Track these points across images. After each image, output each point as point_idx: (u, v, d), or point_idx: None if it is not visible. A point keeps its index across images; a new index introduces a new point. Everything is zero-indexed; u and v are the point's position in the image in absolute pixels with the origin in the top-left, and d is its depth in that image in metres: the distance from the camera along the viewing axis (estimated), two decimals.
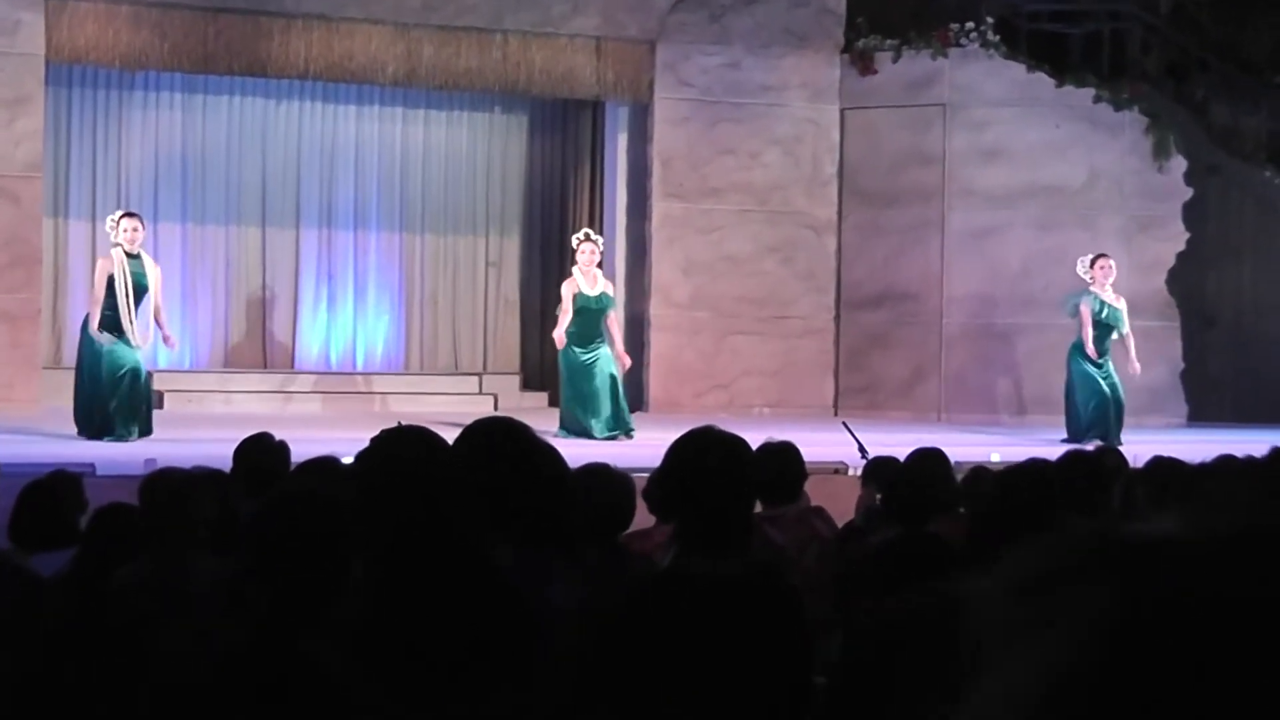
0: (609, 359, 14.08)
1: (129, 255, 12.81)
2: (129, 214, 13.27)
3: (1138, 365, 14.48)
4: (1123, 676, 0.74)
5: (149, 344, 13.12)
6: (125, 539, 5.24)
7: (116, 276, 12.71)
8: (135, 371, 12.62)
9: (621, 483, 5.44)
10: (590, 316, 14.01)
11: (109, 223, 13.18)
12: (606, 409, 13.94)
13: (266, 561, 3.45)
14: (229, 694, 3.16)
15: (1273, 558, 0.76)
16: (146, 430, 12.64)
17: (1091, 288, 14.47)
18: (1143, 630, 0.75)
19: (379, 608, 3.43)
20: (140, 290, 12.78)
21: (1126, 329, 14.50)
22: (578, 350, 14.01)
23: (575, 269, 14.17)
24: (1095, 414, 14.31)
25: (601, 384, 13.95)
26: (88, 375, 12.73)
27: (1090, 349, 14.33)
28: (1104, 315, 14.36)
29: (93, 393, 12.62)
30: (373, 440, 3.57)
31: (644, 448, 11.53)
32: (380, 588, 3.45)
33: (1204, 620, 0.74)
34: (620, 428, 13.91)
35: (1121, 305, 14.51)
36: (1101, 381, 14.34)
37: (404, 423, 3.70)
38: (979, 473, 7.15)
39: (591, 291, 14.02)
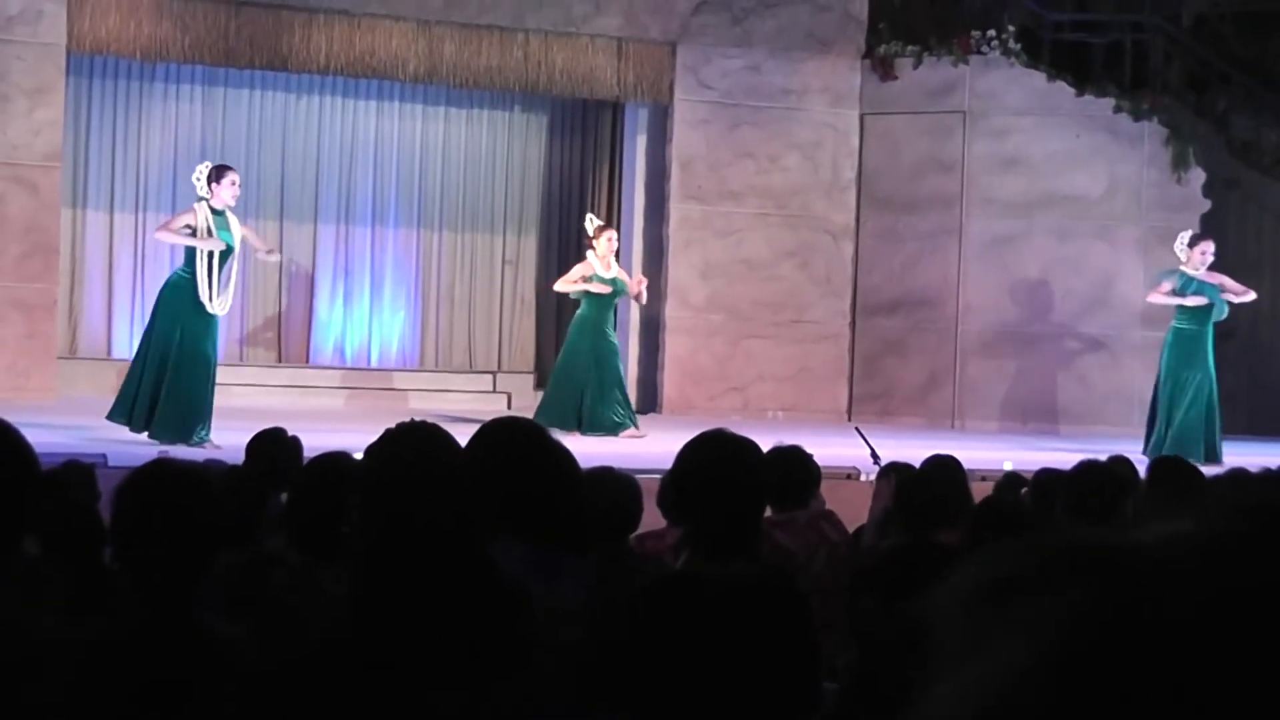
0: (615, 355, 14.20)
1: (214, 212, 12.08)
2: (228, 166, 12.51)
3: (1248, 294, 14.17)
4: (1082, 681, 0.74)
5: (225, 311, 12.37)
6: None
7: (199, 233, 11.99)
8: (210, 359, 12.05)
9: (626, 486, 5.44)
10: (607, 298, 14.11)
11: (198, 173, 12.34)
12: (601, 406, 13.99)
13: (134, 538, 3.42)
14: (124, 679, 3.13)
15: (1238, 568, 0.76)
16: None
17: (1183, 267, 14.21)
18: (1107, 636, 0.75)
19: (369, 600, 3.43)
20: (225, 251, 12.06)
21: (1226, 307, 14.04)
22: (591, 337, 14.07)
23: (591, 254, 14.20)
24: (1188, 422, 13.82)
25: (606, 379, 14.00)
26: (171, 358, 11.91)
27: (1156, 298, 14.08)
28: (1189, 290, 13.97)
29: (174, 381, 11.88)
30: (382, 435, 3.57)
31: (656, 450, 11.52)
32: (372, 581, 3.45)
33: (1169, 628, 0.74)
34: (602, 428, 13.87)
35: (1216, 281, 14.16)
36: (1192, 382, 13.80)
37: (417, 418, 3.70)
38: (1012, 480, 7.18)
39: (606, 274, 14.11)
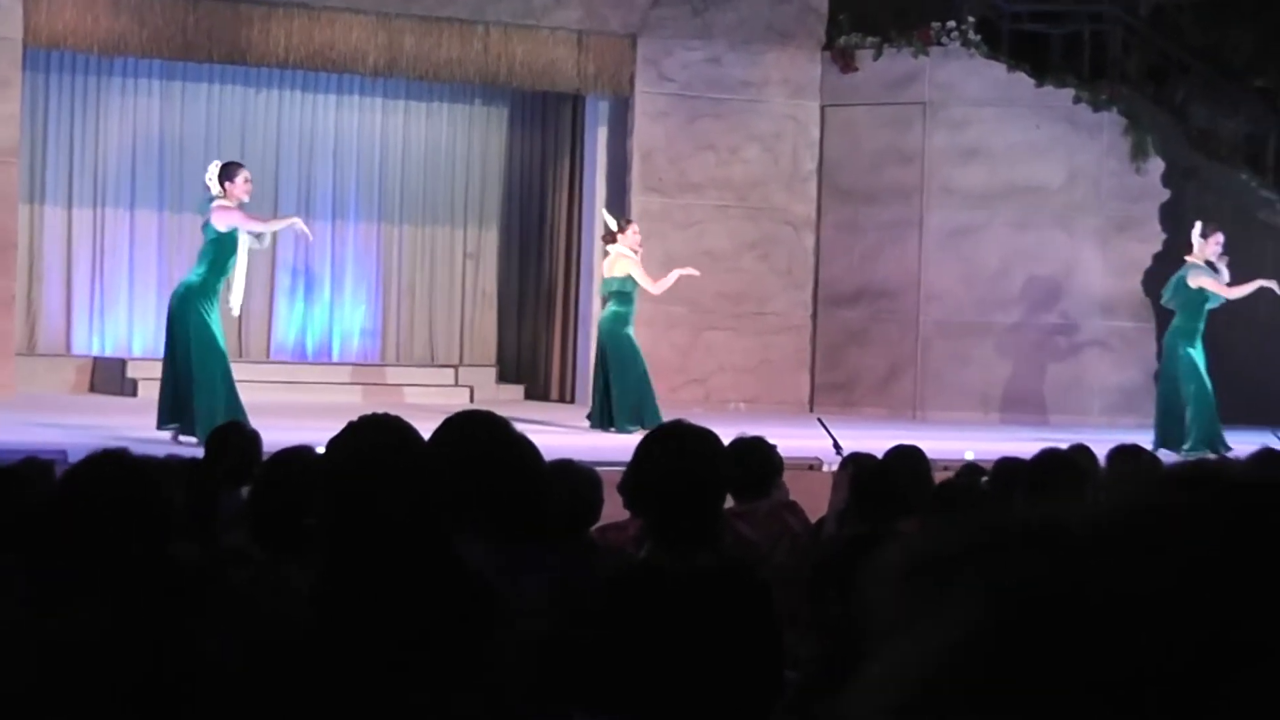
0: None
1: None
2: (239, 164, 12.41)
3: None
4: (1012, 657, 0.74)
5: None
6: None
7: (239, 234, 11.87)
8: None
9: (587, 477, 5.44)
10: (634, 291, 14.24)
11: (210, 172, 12.28)
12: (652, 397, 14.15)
13: (78, 530, 3.39)
14: (83, 676, 3.11)
15: (1169, 542, 0.76)
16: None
17: (1190, 258, 14.36)
18: (1037, 612, 0.75)
19: (333, 595, 3.41)
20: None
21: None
22: (631, 334, 14.21)
23: (616, 248, 14.23)
24: (1202, 417, 14.07)
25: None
26: (213, 362, 11.79)
27: (1228, 292, 14.13)
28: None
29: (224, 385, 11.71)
30: (344, 428, 3.55)
31: (617, 442, 11.53)
32: (336, 575, 3.44)
33: (1100, 604, 0.75)
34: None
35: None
36: (1205, 376, 14.11)
37: (379, 411, 3.68)
38: (973, 469, 7.20)
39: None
